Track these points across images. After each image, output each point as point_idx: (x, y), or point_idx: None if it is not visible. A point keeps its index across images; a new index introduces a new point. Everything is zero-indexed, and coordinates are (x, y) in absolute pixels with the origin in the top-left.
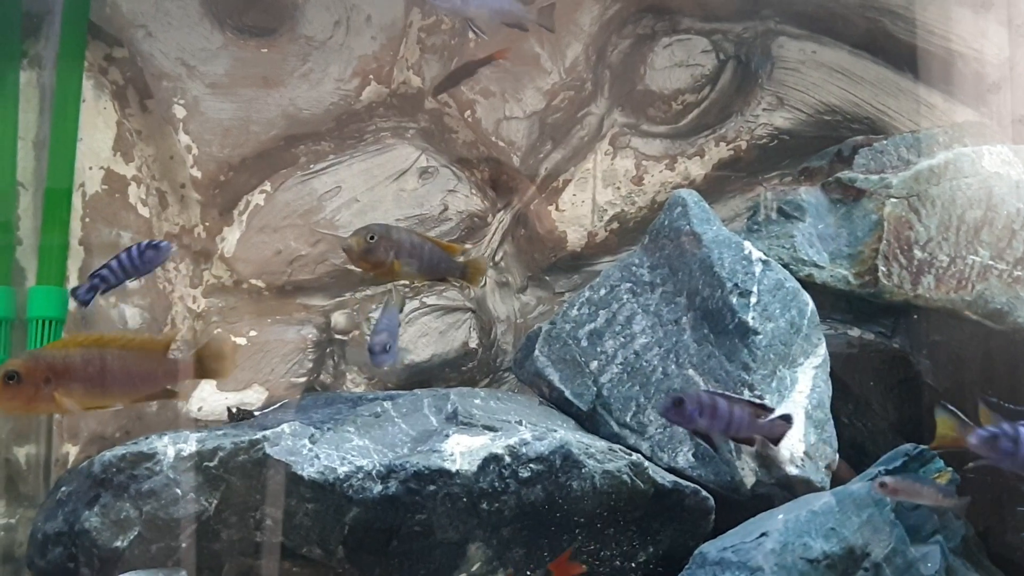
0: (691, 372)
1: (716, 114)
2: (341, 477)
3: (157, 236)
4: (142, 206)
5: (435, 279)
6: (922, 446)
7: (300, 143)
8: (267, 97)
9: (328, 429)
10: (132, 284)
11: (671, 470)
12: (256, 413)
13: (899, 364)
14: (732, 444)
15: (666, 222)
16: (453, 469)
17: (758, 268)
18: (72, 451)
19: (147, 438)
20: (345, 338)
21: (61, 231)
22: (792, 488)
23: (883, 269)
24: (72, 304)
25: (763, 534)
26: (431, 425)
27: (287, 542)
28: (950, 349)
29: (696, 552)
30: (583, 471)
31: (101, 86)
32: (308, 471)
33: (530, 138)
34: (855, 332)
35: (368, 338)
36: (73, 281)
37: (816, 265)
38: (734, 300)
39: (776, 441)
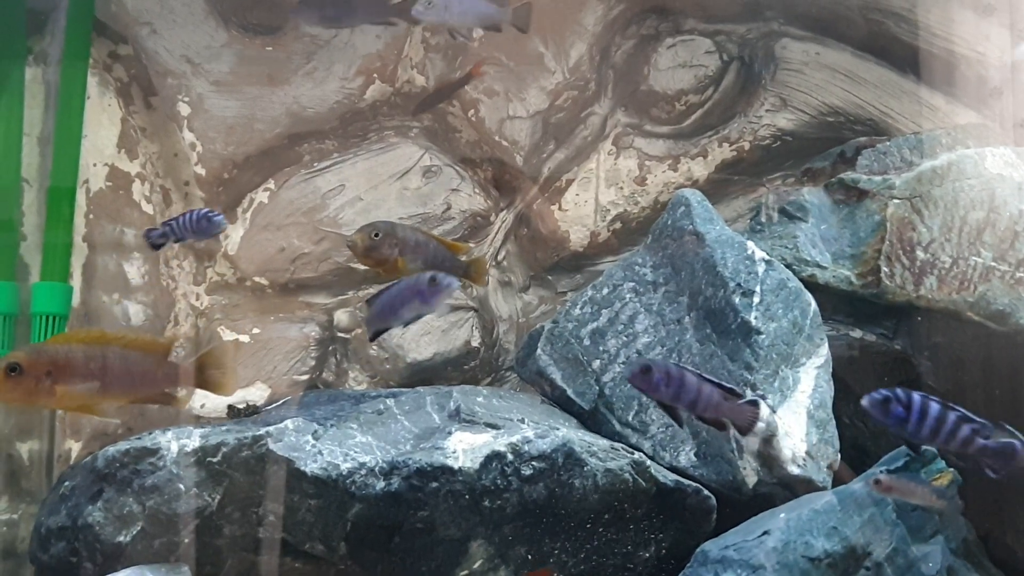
0: None
1: (719, 115)
2: (344, 473)
3: None
4: (146, 203)
5: None
6: (922, 447)
7: (304, 141)
8: (271, 95)
9: (331, 426)
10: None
11: (673, 469)
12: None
13: (901, 366)
14: (734, 444)
15: (669, 221)
16: (456, 466)
17: (761, 268)
18: (75, 447)
19: (150, 433)
20: (348, 336)
21: (65, 227)
22: (793, 488)
23: (886, 270)
24: (146, 246)
25: (765, 532)
26: (434, 422)
27: (289, 538)
28: (952, 351)
29: (698, 550)
30: (585, 469)
31: (106, 83)
32: (311, 467)
33: (533, 138)
34: (857, 334)
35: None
36: (76, 278)
37: (819, 266)
38: (737, 300)
39: (744, 431)
